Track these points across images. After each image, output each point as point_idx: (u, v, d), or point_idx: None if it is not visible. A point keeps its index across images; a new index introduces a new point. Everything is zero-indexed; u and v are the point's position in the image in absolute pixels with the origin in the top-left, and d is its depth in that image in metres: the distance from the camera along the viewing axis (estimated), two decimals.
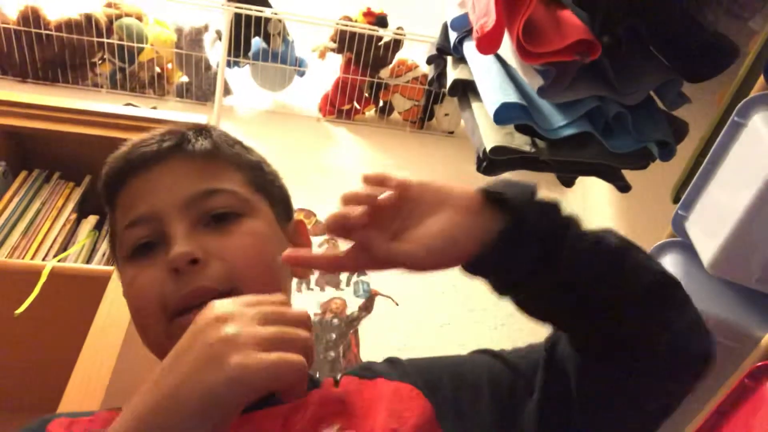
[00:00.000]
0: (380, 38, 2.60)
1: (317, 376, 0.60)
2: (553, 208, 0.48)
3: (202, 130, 0.60)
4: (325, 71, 2.73)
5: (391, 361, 0.60)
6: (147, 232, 0.54)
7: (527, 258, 0.46)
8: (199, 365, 0.38)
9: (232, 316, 0.40)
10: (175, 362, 0.39)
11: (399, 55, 2.68)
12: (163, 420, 0.38)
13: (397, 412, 0.52)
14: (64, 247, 1.22)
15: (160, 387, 0.39)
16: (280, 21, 2.50)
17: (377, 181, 0.46)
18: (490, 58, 1.50)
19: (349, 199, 0.45)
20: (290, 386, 0.39)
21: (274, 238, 0.58)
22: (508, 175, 1.56)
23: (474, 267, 0.47)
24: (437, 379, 0.56)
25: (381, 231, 0.45)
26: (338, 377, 0.58)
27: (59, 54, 2.43)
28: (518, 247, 0.45)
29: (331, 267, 0.47)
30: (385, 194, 0.45)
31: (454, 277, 2.12)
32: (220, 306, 0.41)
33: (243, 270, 0.53)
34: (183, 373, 0.38)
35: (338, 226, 0.44)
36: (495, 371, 0.57)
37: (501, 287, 0.48)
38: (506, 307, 1.83)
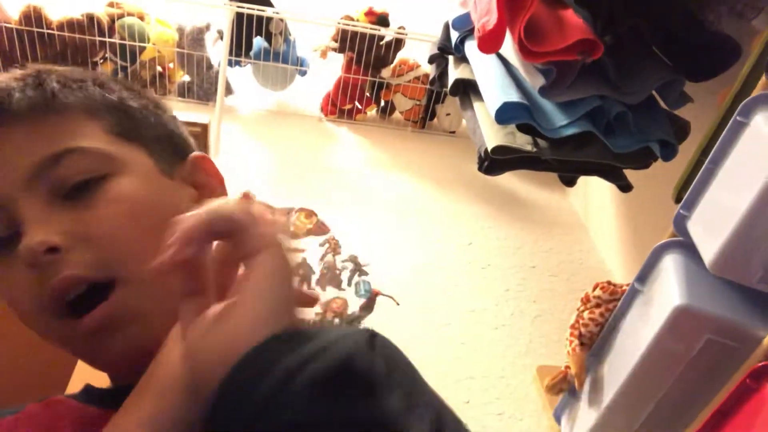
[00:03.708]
0: (382, 38, 2.60)
1: None
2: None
3: (29, 78, 0.46)
4: (327, 71, 2.73)
5: None
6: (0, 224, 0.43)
7: None
8: None
9: None
10: None
11: (400, 55, 2.69)
12: None
13: None
14: None
15: None
16: (281, 20, 2.50)
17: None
18: (492, 57, 1.50)
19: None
20: None
21: (156, 193, 0.47)
22: (508, 176, 1.56)
23: None
24: None
25: None
26: None
27: (61, 53, 2.43)
28: None
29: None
30: None
31: (456, 277, 2.12)
32: None
33: (117, 251, 0.43)
34: None
35: None
36: None
37: None
38: (507, 307, 1.83)
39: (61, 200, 0.43)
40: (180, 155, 0.52)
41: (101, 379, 0.85)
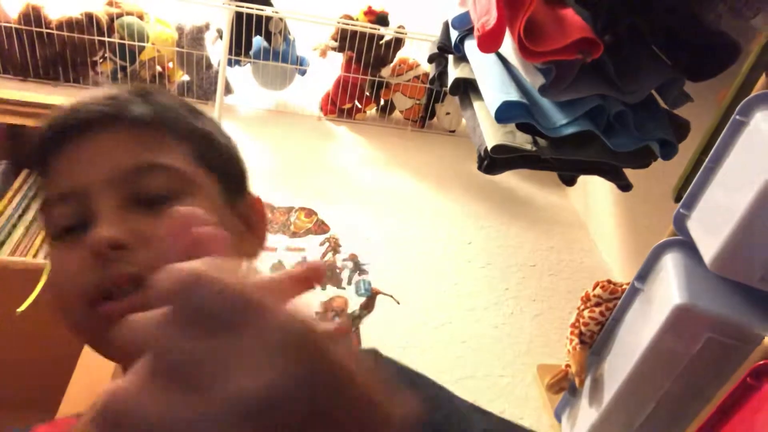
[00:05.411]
0: (381, 37, 2.60)
1: None
2: None
3: (144, 94, 0.54)
4: (326, 70, 2.73)
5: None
6: (72, 211, 0.49)
7: None
8: None
9: None
10: None
11: (400, 54, 2.69)
12: None
13: None
14: None
15: None
16: (281, 20, 2.50)
17: None
18: (492, 56, 1.50)
19: None
20: None
21: (216, 220, 0.53)
22: (508, 175, 1.56)
23: None
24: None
25: None
26: None
27: (60, 53, 2.43)
28: None
29: None
30: None
31: (455, 276, 2.12)
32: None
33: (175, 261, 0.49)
34: None
35: None
36: None
37: None
38: (507, 306, 1.82)
39: (135, 206, 0.48)
40: (240, 191, 0.58)
41: (94, 390, 0.84)
